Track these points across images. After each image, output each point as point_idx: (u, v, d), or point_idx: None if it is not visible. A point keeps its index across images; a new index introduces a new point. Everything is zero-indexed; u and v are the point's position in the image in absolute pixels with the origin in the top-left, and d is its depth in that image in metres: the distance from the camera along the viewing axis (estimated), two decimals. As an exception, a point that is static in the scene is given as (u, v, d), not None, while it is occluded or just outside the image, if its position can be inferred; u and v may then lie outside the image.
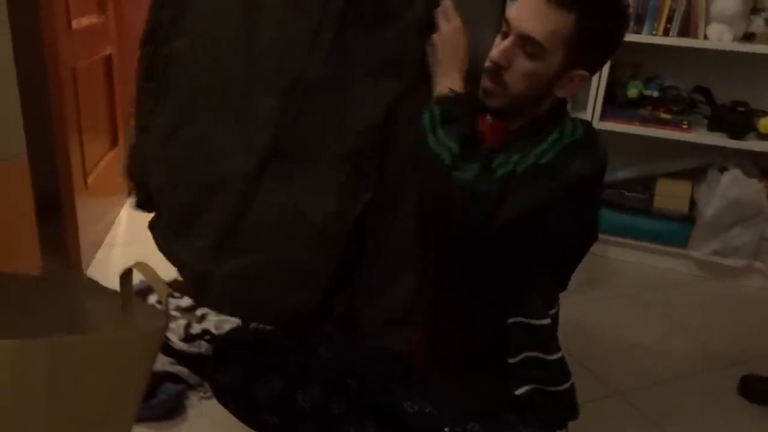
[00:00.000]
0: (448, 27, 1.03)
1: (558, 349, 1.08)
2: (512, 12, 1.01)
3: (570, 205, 0.98)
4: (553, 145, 0.98)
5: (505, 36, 1.02)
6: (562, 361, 1.08)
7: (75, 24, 2.07)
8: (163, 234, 1.13)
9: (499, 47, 1.02)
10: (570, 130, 1.01)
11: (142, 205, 1.19)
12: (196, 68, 1.06)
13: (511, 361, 1.04)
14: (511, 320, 1.04)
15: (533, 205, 0.94)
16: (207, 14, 1.05)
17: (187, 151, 1.07)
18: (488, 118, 1.09)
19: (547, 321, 1.05)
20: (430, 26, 1.04)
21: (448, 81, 1.03)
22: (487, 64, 1.03)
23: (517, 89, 1.01)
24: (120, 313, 0.96)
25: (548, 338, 1.07)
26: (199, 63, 1.05)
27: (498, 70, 1.01)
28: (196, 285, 1.09)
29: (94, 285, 1.04)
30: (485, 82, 1.04)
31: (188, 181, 1.08)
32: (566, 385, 1.08)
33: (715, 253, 2.36)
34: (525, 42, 0.98)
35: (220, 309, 1.28)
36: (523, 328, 1.04)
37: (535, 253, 1.01)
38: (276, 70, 1.01)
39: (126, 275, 0.96)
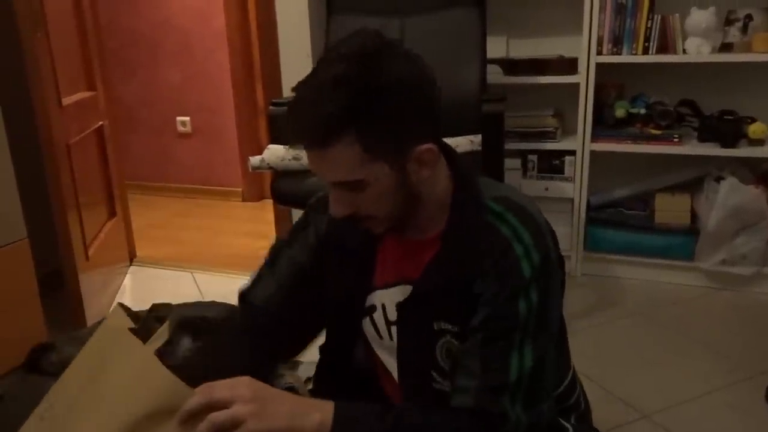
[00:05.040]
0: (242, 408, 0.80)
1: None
2: (311, 166, 0.88)
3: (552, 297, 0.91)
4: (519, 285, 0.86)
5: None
6: None
7: (65, 101, 2.10)
8: None
9: (331, 201, 0.90)
10: (510, 233, 0.88)
11: None
12: None
13: None
14: None
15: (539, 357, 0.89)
16: None
17: None
18: (391, 238, 1.00)
19: None
20: None
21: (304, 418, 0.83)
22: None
23: (383, 212, 0.90)
24: None
25: None
26: None
27: (351, 216, 0.90)
28: None
29: None
30: (357, 225, 0.93)
31: None
32: None
33: (723, 262, 2.35)
34: (341, 186, 0.87)
35: None
36: None
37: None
38: None
39: None
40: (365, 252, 1.02)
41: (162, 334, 0.98)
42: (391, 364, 1.03)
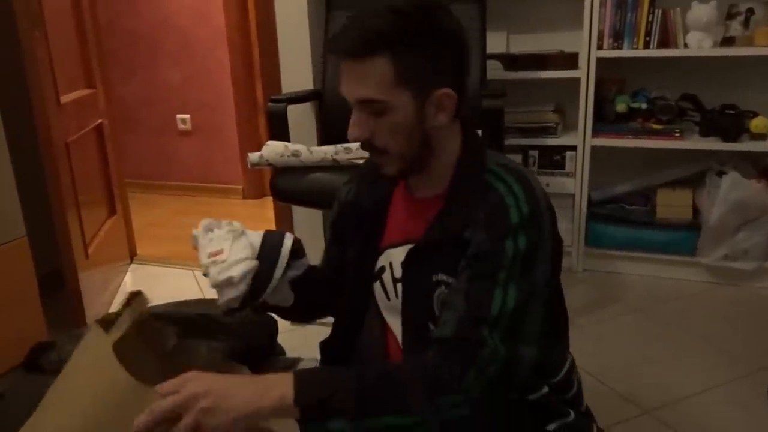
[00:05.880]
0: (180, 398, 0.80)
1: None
2: (340, 85, 0.94)
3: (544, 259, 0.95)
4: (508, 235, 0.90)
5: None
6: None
7: (64, 99, 2.09)
8: None
9: (351, 124, 0.96)
10: (505, 189, 0.93)
11: None
12: None
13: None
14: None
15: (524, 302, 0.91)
16: None
17: None
18: (400, 199, 1.06)
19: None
20: None
21: (262, 398, 0.82)
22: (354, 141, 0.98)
23: (397, 148, 0.95)
24: None
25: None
26: None
27: (367, 143, 0.96)
28: None
29: None
30: (370, 158, 1.00)
31: None
32: None
33: (725, 257, 2.34)
34: (364, 106, 0.92)
35: None
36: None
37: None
38: None
39: None
40: (377, 215, 1.09)
41: (123, 321, 0.95)
42: (396, 326, 1.06)
